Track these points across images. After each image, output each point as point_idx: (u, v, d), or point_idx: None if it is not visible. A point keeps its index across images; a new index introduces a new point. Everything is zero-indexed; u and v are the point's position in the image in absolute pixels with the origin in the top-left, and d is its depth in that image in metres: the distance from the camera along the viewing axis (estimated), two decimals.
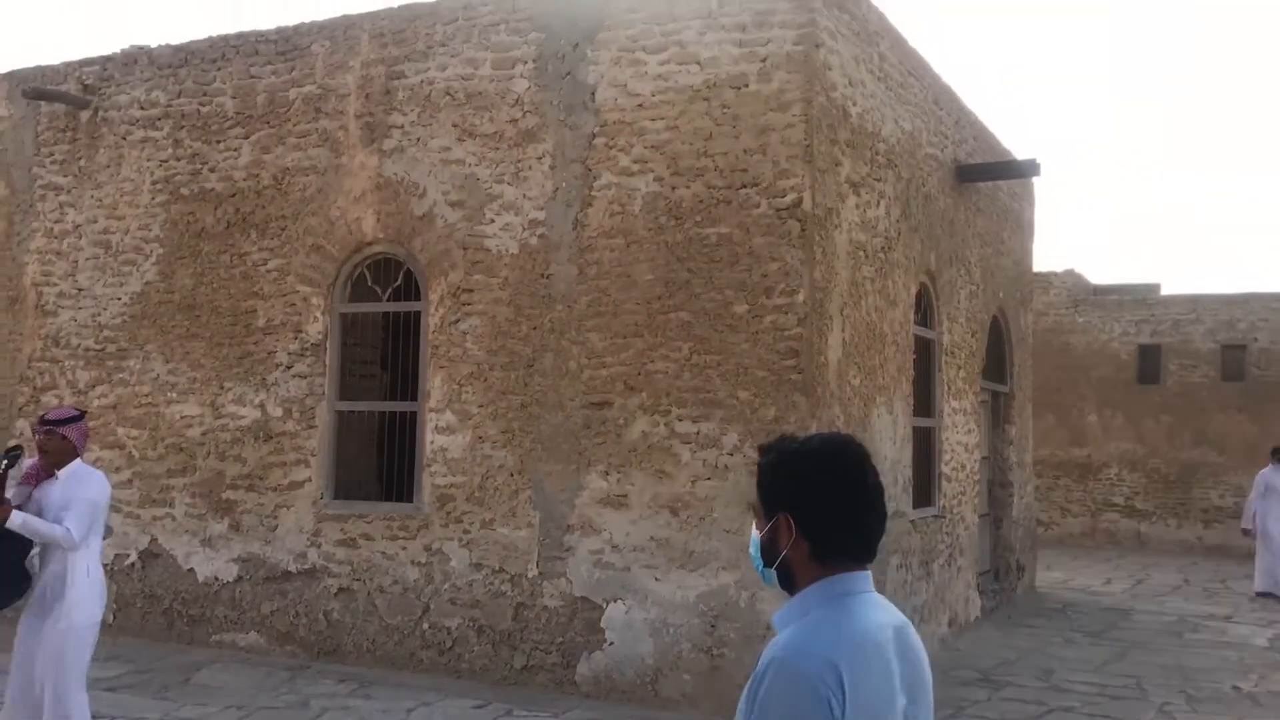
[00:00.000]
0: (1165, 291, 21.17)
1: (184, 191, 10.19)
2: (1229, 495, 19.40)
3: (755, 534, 2.22)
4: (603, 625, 8.29)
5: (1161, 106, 51.79)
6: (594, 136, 8.62)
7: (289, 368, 9.65)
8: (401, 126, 9.34)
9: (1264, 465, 18.91)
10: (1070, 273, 21.29)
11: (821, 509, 2.10)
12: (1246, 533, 14.62)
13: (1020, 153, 13.34)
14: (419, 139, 9.27)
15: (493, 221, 8.95)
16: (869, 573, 2.16)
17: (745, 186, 8.04)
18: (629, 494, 8.31)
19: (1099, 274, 21.77)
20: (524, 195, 8.85)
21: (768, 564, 2.17)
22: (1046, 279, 20.54)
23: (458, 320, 9.05)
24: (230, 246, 9.95)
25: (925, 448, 10.52)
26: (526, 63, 8.90)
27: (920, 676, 2.12)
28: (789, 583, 2.15)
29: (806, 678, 1.92)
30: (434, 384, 9.11)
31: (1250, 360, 19.58)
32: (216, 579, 9.72)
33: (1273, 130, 50.67)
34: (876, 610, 2.11)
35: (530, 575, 8.59)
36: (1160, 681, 9.19)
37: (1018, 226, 14.07)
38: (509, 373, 8.83)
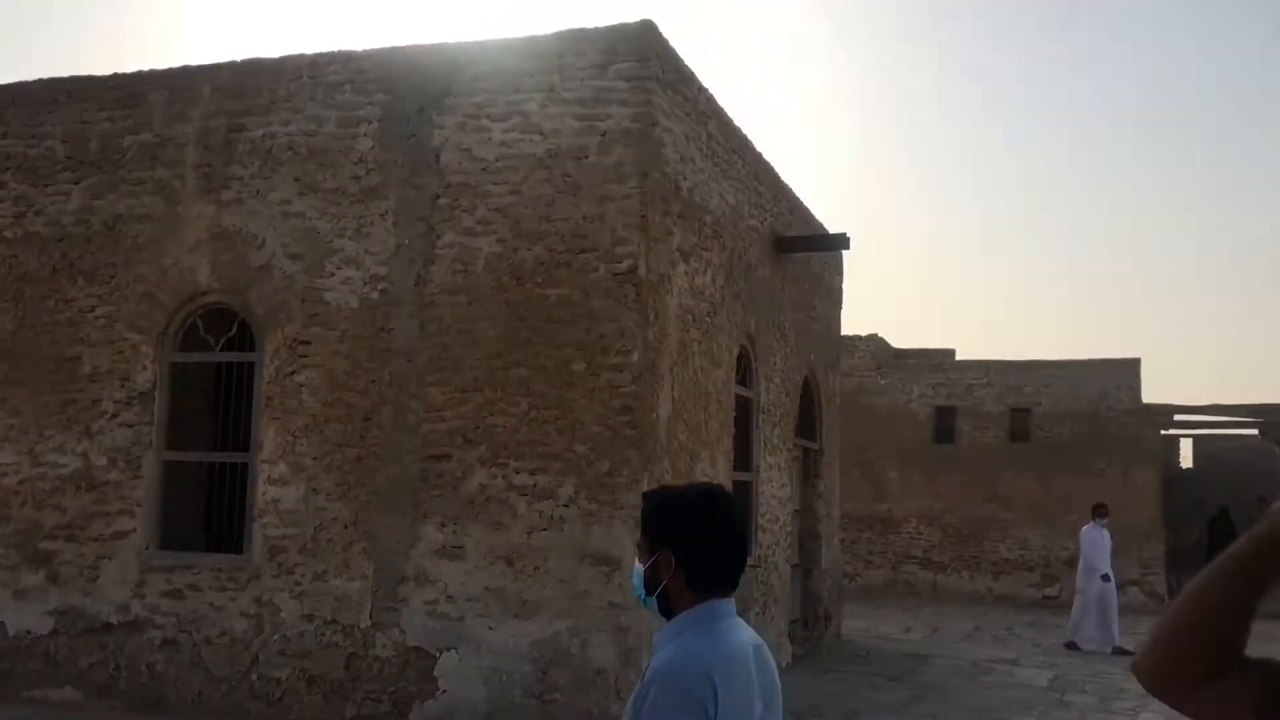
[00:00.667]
0: (960, 357, 22.67)
1: (7, 234, 9.94)
2: (1015, 549, 20.81)
3: (638, 567, 2.59)
4: (436, 674, 8.45)
5: (956, 184, 55.36)
6: (438, 197, 8.91)
7: (115, 416, 9.50)
8: (241, 178, 9.41)
9: (1046, 520, 20.52)
10: (874, 337, 22.54)
11: (697, 546, 2.49)
12: (1106, 578, 15.07)
13: (830, 225, 14.25)
14: (259, 191, 9.36)
15: (333, 275, 9.11)
16: (733, 600, 2.56)
17: (585, 251, 8.48)
18: (465, 545, 8.53)
19: (900, 339, 23.15)
20: (365, 250, 9.05)
21: (649, 593, 2.54)
22: (853, 343, 21.68)
23: (294, 372, 9.12)
24: (55, 292, 9.75)
25: (743, 500, 11.10)
26: (371, 122, 9.14)
27: (773, 687, 2.53)
28: (666, 609, 2.53)
29: (687, 687, 2.30)
30: (267, 435, 9.14)
31: (1035, 423, 21.14)
32: (29, 632, 9.40)
33: (1053, 207, 54.77)
34: (740, 631, 2.51)
35: (363, 626, 8.68)
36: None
37: (828, 294, 14.98)
38: (346, 425, 8.95)
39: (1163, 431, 22.31)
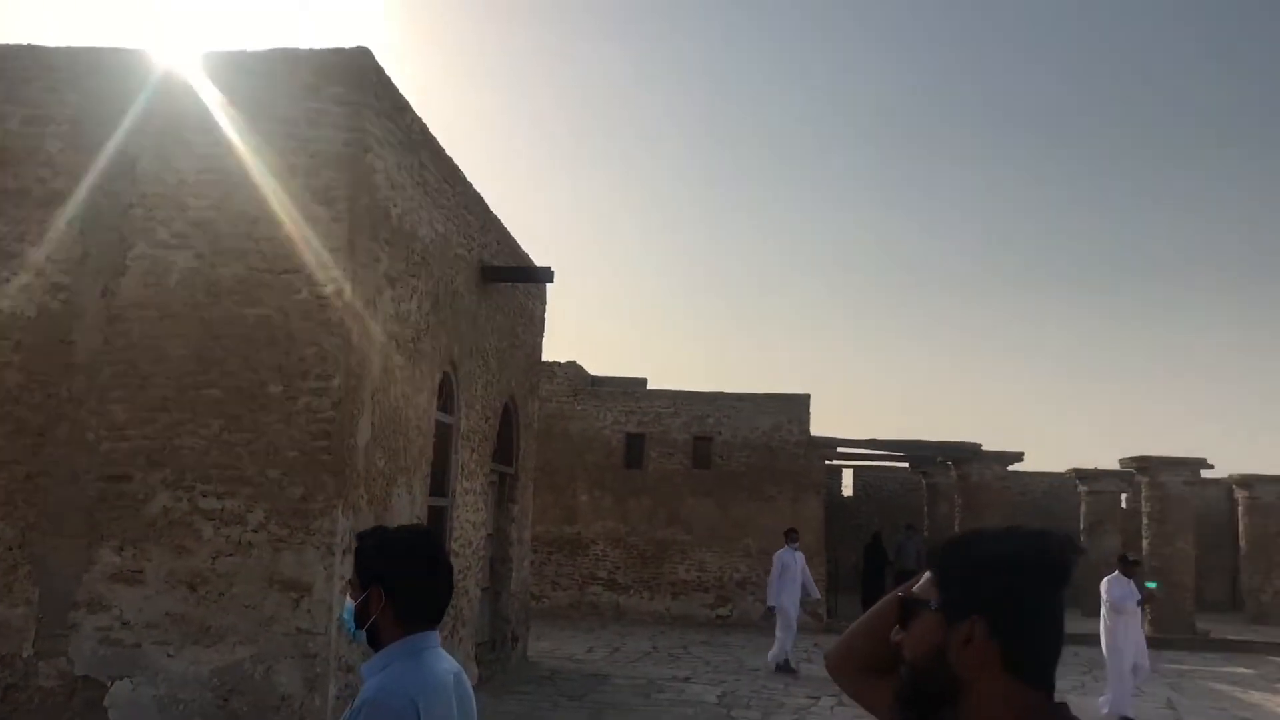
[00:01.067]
0: (651, 386, 23.65)
1: None
2: (694, 570, 21.90)
3: (349, 602, 2.79)
4: (106, 704, 8.08)
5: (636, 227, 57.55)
6: (131, 206, 8.57)
7: None
8: None
9: (723, 543, 21.74)
10: (572, 364, 23.15)
11: (406, 583, 2.74)
12: (771, 610, 15.94)
13: (535, 251, 14.65)
14: None
15: (8, 281, 8.57)
16: (438, 631, 2.80)
17: (288, 272, 8.40)
18: (145, 570, 8.21)
19: (596, 366, 23.90)
20: (47, 257, 8.56)
21: (359, 626, 2.75)
22: (551, 369, 22.19)
23: None
24: None
25: (438, 525, 11.23)
26: (62, 124, 8.68)
27: (470, 711, 2.82)
28: (375, 640, 2.75)
29: (394, 712, 2.54)
30: None
31: (716, 451, 22.36)
32: None
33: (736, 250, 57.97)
34: (442, 660, 2.78)
35: (25, 655, 8.17)
36: None
37: (530, 322, 15.36)
38: (15, 441, 8.43)
39: (827, 462, 24.14)
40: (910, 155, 57.07)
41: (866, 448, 23.71)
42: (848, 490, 31.31)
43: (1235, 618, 25.69)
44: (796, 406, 22.41)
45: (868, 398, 51.30)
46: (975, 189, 56.77)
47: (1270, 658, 20.07)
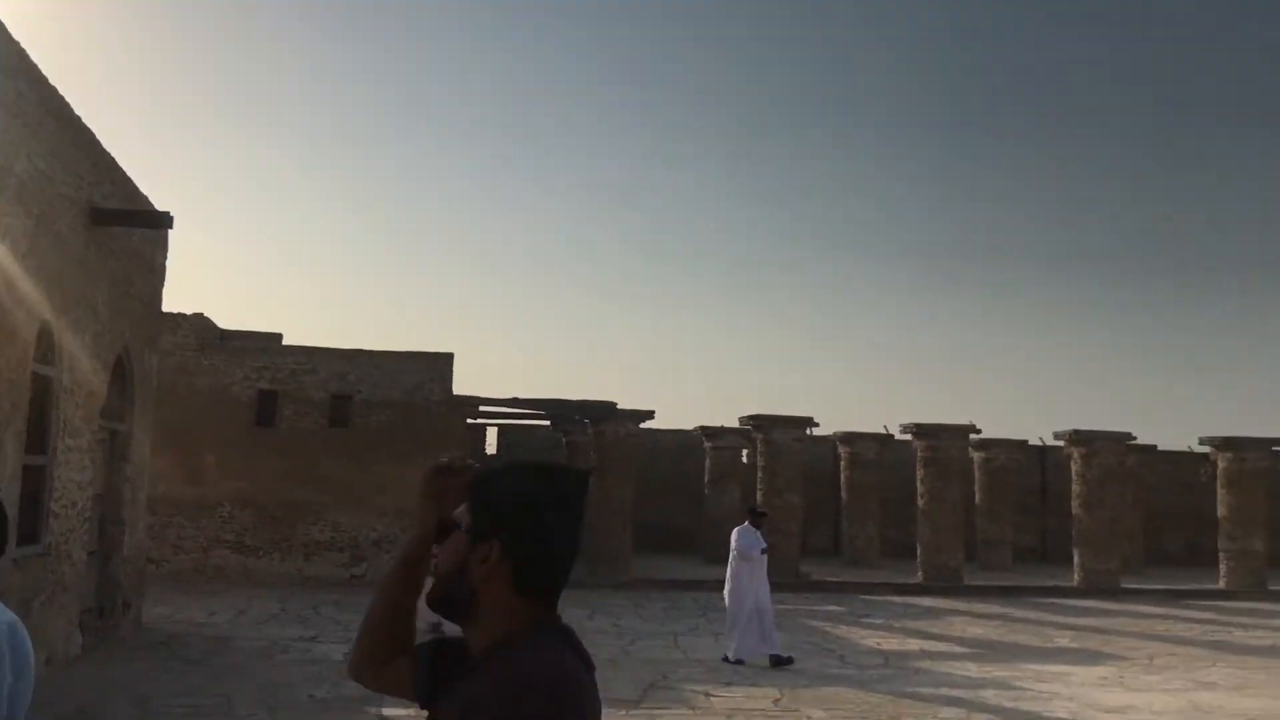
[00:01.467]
0: (287, 342, 22.89)
1: None
2: (328, 531, 21.53)
3: None
4: None
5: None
6: None
7: None
8: None
9: (359, 503, 21.50)
10: (200, 316, 21.96)
11: None
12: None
13: (162, 200, 13.82)
14: None
15: None
16: None
17: None
18: None
19: (227, 320, 22.80)
20: None
21: None
22: (175, 321, 20.97)
23: None
24: None
25: (36, 485, 10.44)
26: None
27: (27, 662, 2.75)
28: None
29: None
30: None
31: (354, 410, 22.02)
32: None
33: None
34: None
35: None
36: (249, 697, 10.24)
37: (149, 270, 14.47)
38: None
39: (470, 420, 24.37)
40: (559, 112, 58.18)
41: (509, 406, 24.16)
42: (491, 449, 31.76)
43: (835, 562, 28.42)
44: (439, 365, 22.46)
45: (511, 357, 52.14)
46: (609, 151, 58.76)
47: (860, 596, 22.43)
